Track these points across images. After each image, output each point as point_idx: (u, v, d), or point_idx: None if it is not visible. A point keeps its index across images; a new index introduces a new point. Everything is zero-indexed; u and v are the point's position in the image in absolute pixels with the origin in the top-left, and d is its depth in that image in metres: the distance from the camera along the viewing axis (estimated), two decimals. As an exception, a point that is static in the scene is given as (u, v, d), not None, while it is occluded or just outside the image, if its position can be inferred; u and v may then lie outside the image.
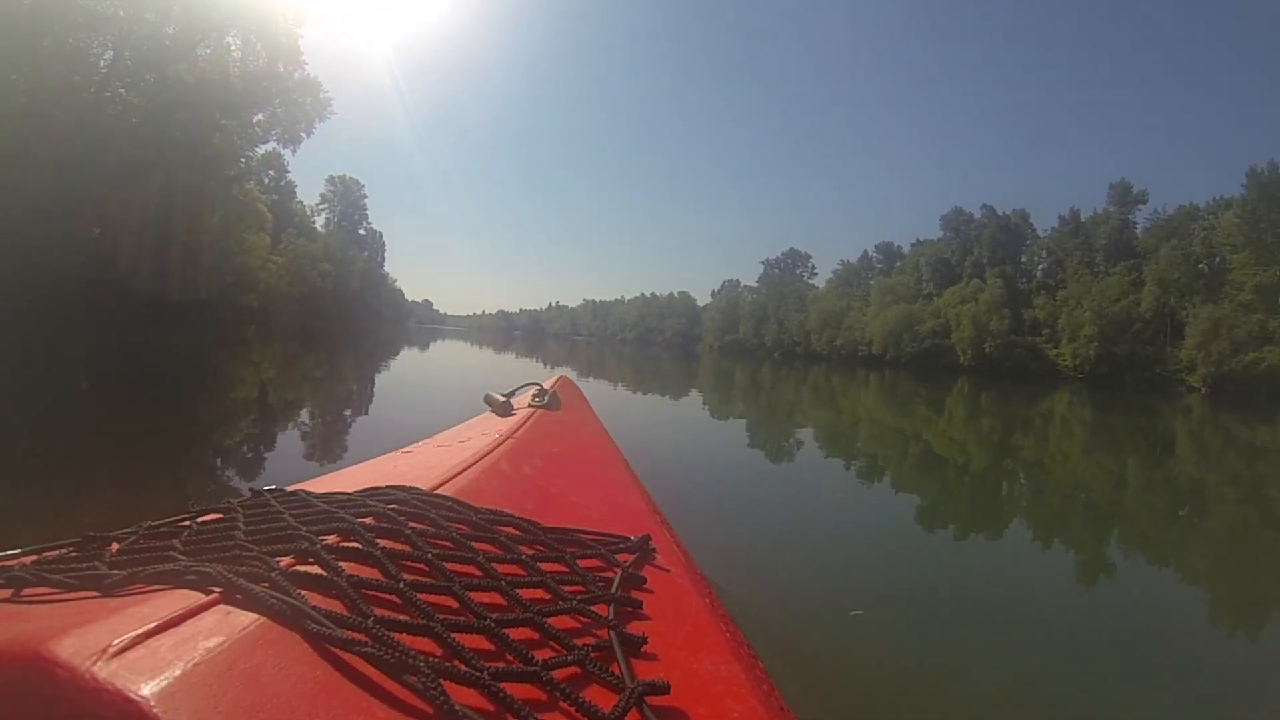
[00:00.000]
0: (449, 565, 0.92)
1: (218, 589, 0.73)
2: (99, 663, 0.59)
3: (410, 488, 1.22)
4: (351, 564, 0.85)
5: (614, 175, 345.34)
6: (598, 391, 15.81)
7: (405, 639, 0.70)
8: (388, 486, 1.21)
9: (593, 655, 0.78)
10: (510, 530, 1.13)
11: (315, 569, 0.82)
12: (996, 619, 3.40)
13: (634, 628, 0.91)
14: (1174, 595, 4.39)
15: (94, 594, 0.78)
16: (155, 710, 0.56)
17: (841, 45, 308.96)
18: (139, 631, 0.63)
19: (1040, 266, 70.67)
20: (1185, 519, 7.10)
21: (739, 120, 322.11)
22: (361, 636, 0.69)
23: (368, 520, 0.99)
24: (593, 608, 0.92)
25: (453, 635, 0.74)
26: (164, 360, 14.05)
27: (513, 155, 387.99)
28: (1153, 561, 5.19)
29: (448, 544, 1.00)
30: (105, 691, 0.57)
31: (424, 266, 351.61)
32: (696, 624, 1.04)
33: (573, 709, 0.69)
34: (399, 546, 0.94)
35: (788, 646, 2.64)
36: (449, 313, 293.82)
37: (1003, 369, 58.24)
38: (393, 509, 1.05)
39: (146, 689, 0.57)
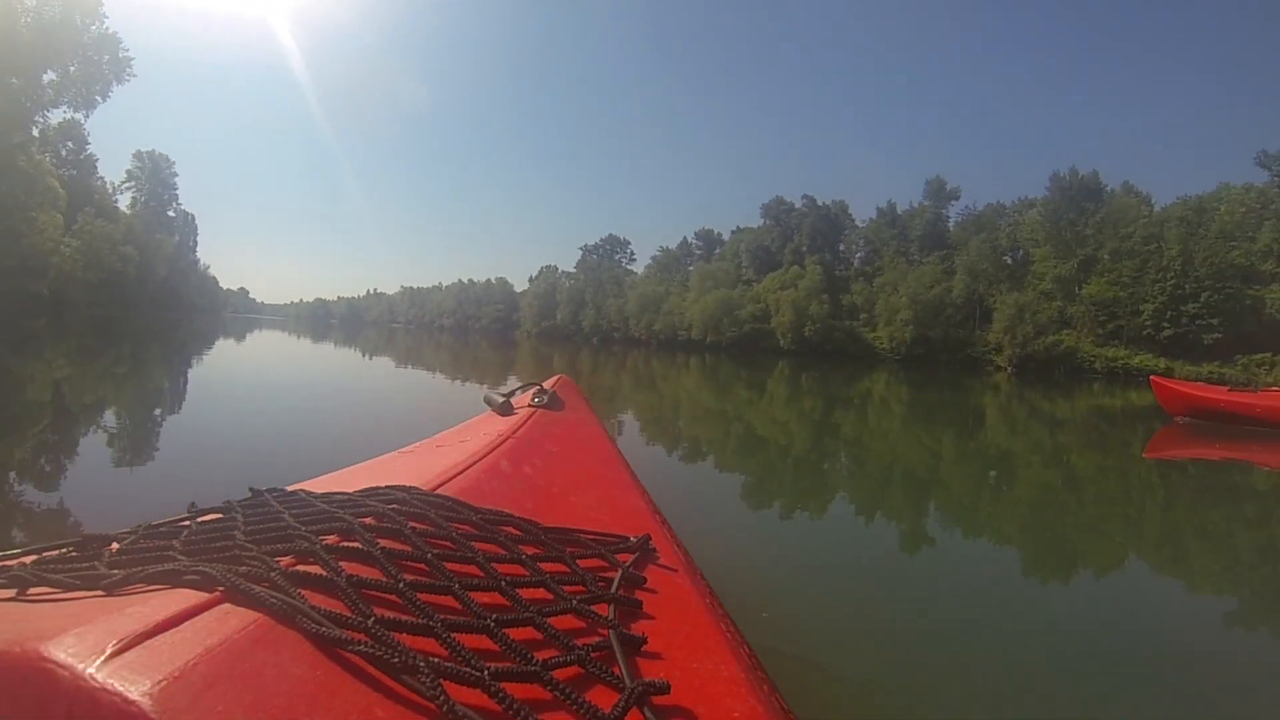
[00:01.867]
0: (449, 565, 0.92)
1: (218, 589, 0.74)
2: (99, 663, 0.59)
3: (410, 488, 1.22)
4: (351, 564, 0.85)
5: (432, 161, 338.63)
6: (416, 381, 15.54)
7: (405, 639, 0.71)
8: (388, 486, 1.21)
9: (593, 655, 0.78)
10: (510, 530, 1.13)
11: (315, 569, 0.82)
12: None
13: (634, 628, 0.91)
14: (988, 550, 4.82)
15: (94, 594, 0.78)
16: (155, 710, 0.56)
17: (666, 34, 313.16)
18: (139, 631, 0.63)
19: (858, 255, 74.63)
20: (997, 483, 7.52)
21: (558, 107, 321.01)
22: (362, 636, 0.70)
23: (368, 520, 0.99)
24: (593, 608, 0.92)
25: (453, 635, 0.74)
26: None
27: (330, 139, 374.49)
28: (969, 525, 5.56)
29: (448, 544, 1.00)
30: (105, 691, 0.57)
31: (241, 253, 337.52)
32: (696, 624, 1.03)
33: (573, 709, 0.69)
34: (399, 546, 0.93)
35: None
36: (266, 301, 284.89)
37: (822, 351, 60.55)
38: (393, 509, 1.06)
39: (146, 689, 0.57)
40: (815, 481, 6.92)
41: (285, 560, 0.83)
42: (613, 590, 0.98)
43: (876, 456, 8.96)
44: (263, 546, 0.87)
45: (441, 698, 0.63)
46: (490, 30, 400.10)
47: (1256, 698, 2.78)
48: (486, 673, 0.68)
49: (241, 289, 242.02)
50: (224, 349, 22.61)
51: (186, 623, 0.67)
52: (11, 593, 0.80)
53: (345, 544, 0.90)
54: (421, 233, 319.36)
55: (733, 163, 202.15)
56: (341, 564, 0.82)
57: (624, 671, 0.77)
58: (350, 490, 1.17)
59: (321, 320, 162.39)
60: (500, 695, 0.66)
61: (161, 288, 71.54)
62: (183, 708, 0.57)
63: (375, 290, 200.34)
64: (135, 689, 0.57)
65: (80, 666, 0.58)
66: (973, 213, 66.77)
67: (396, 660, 0.67)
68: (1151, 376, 14.59)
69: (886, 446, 9.96)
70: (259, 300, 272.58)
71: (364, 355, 24.74)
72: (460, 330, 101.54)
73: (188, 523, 1.03)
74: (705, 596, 1.20)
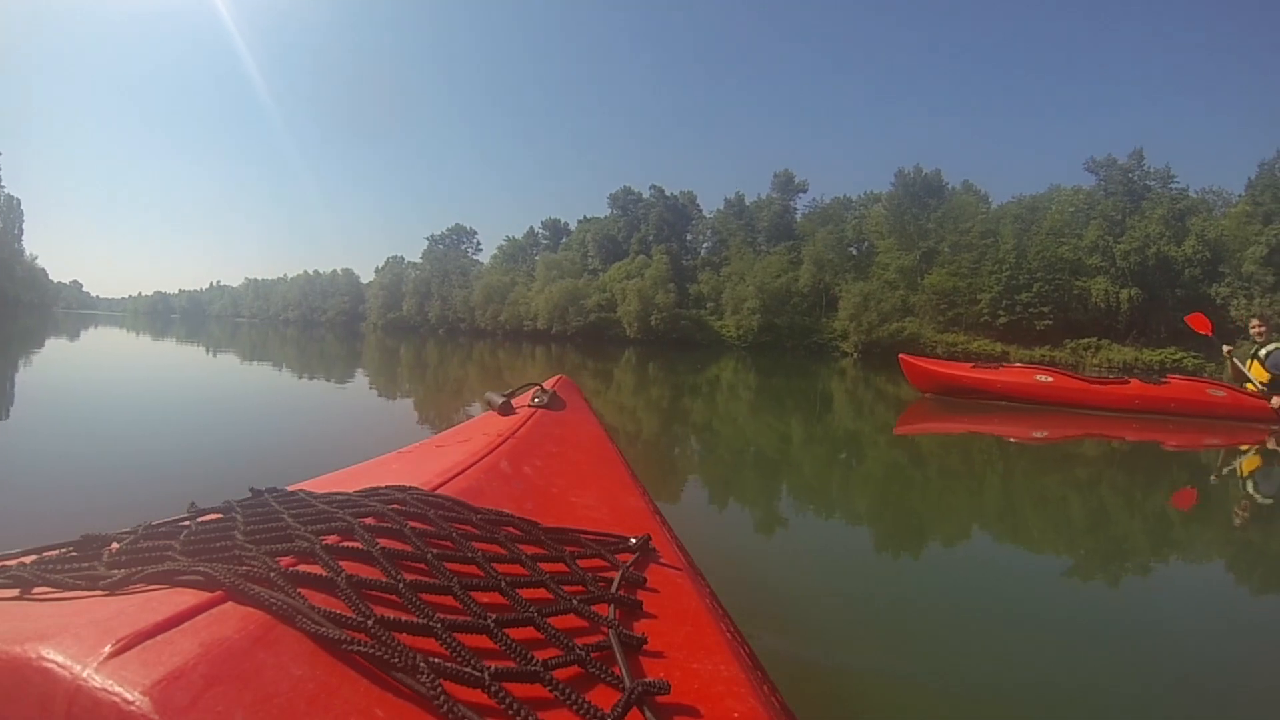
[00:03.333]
0: (449, 565, 0.92)
1: (218, 589, 0.74)
2: (99, 662, 0.59)
3: (410, 488, 1.22)
4: (351, 564, 0.86)
5: (273, 144, 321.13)
6: (262, 376, 14.73)
7: (405, 639, 0.71)
8: (388, 487, 1.21)
9: (593, 655, 0.79)
10: (510, 530, 1.13)
11: (315, 569, 0.82)
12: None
13: (634, 628, 0.91)
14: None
15: (94, 594, 0.78)
16: (155, 710, 0.56)
17: (514, 23, 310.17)
18: (139, 631, 0.64)
19: (705, 245, 76.70)
20: (846, 461, 7.78)
21: (404, 95, 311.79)
22: (362, 636, 0.70)
23: (368, 520, 1.00)
24: (593, 608, 0.92)
25: (453, 635, 0.75)
26: None
27: (164, 114, 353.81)
28: (821, 502, 5.72)
29: (448, 544, 1.00)
30: (105, 691, 0.57)
31: (73, 241, 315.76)
32: (697, 624, 1.03)
33: (574, 709, 0.69)
34: (399, 546, 0.94)
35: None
36: (101, 295, 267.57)
37: (669, 340, 61.50)
38: (393, 509, 1.06)
39: (146, 689, 0.57)
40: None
41: (285, 560, 0.83)
42: (613, 590, 0.99)
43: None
44: (263, 546, 0.86)
45: (441, 698, 0.64)
46: (335, 11, 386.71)
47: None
48: (487, 673, 0.68)
49: (74, 282, 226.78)
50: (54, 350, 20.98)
51: (186, 622, 0.67)
52: (12, 592, 0.80)
53: (345, 544, 0.90)
54: (267, 220, 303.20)
55: (581, 153, 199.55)
56: (341, 564, 0.82)
57: (624, 671, 0.77)
58: (350, 490, 1.17)
59: (162, 315, 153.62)
60: (500, 695, 0.66)
61: (-18, 281, 65.86)
62: (183, 707, 0.56)
63: (219, 283, 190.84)
64: (135, 689, 0.57)
65: (80, 666, 0.59)
66: (820, 205, 70.05)
67: (396, 660, 0.67)
68: (900, 355, 14.79)
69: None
70: (93, 294, 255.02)
71: (209, 352, 23.44)
72: (305, 324, 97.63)
73: (188, 523, 1.03)
74: (706, 597, 1.20)
